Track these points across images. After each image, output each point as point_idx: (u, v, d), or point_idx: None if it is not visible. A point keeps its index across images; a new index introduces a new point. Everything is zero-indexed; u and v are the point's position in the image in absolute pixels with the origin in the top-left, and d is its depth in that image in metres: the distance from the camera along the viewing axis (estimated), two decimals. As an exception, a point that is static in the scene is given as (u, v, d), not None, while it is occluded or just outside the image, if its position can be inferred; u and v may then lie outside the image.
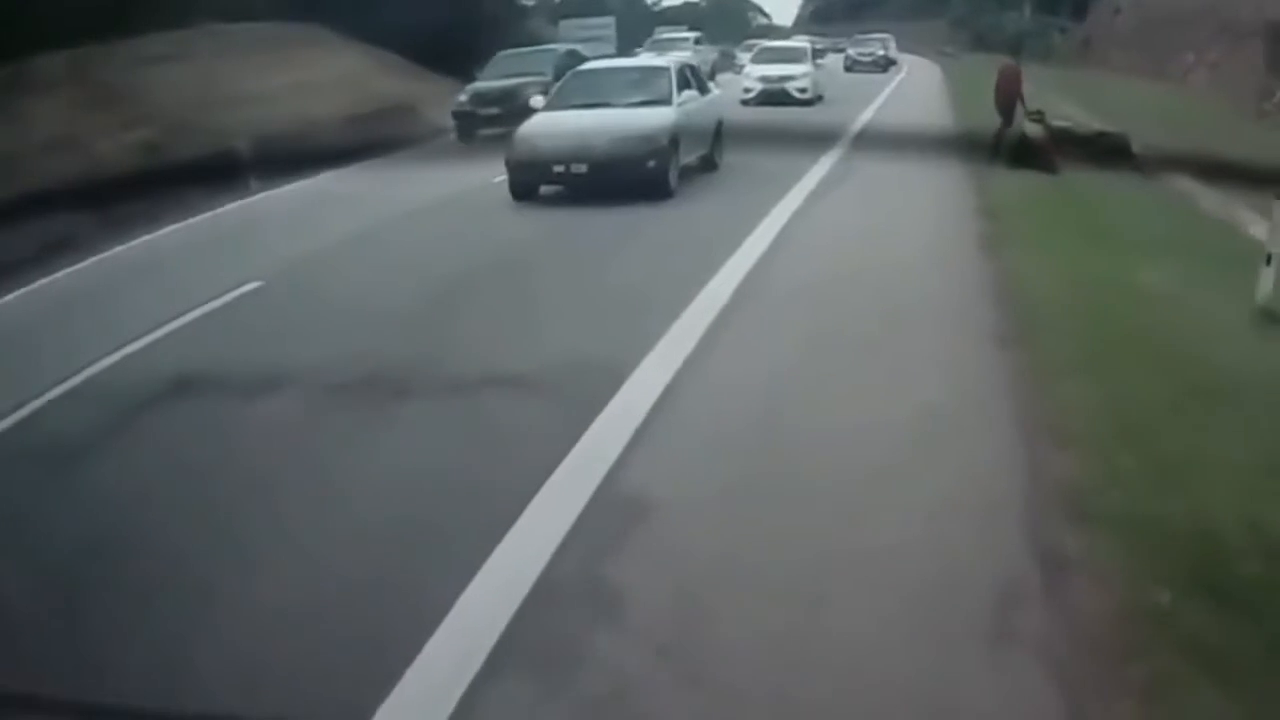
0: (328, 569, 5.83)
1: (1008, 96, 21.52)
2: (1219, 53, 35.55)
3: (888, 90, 38.45)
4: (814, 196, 15.91)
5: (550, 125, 17.67)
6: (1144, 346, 8.73)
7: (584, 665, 4.77)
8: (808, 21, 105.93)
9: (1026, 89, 21.66)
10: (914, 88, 40.80)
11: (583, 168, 16.60)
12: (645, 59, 25.97)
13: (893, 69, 54.17)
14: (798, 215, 14.80)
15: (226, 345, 10.75)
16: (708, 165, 19.12)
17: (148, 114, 26.68)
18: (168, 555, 6.18)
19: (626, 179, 16.43)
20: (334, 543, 6.19)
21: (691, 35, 51.63)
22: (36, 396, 9.20)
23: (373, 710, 4.44)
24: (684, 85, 19.03)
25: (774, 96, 33.75)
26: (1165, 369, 8.15)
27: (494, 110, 26.83)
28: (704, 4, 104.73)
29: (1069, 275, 11.06)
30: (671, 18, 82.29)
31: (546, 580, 5.46)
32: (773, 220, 14.40)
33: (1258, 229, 11.60)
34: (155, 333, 10.86)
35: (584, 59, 29.85)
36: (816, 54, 47.59)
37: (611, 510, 6.27)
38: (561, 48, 32.45)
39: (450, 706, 4.45)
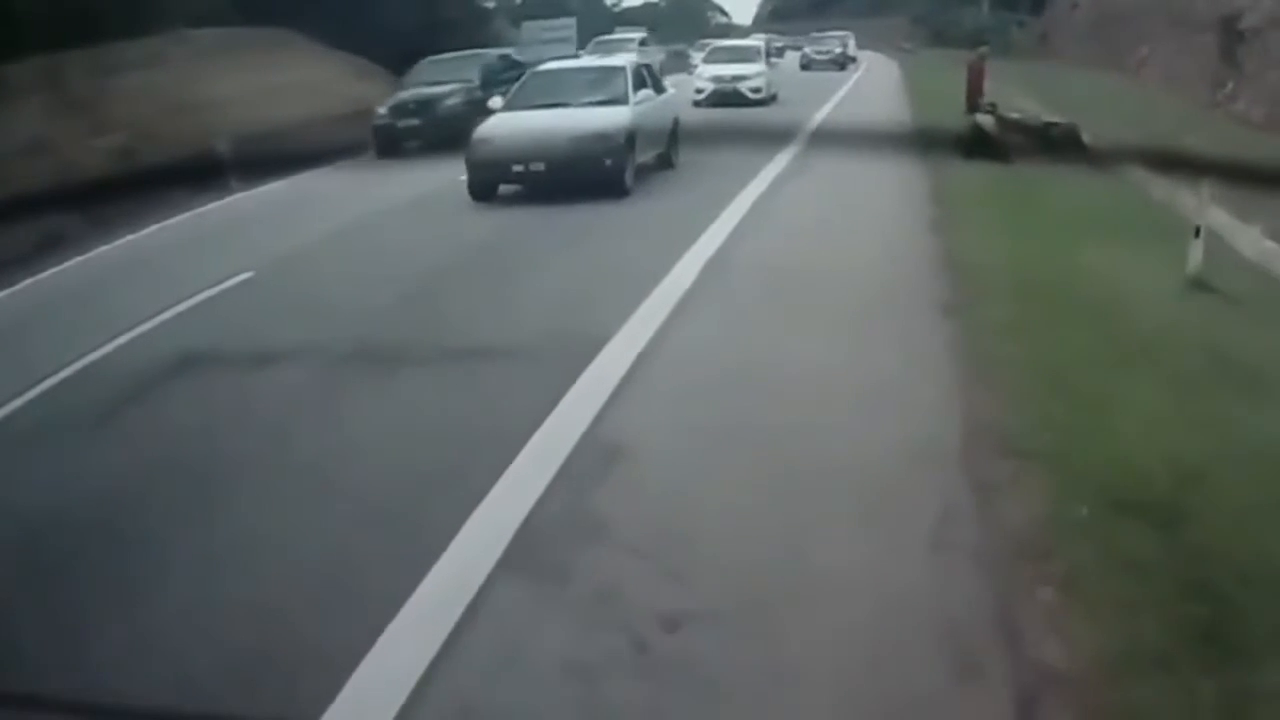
0: (343, 508, 6.69)
1: (975, 92, 22.45)
2: (1174, 46, 36.29)
3: (845, 88, 38.90)
4: (770, 191, 16.56)
5: (509, 125, 17.94)
6: (1080, 312, 9.55)
7: (574, 568, 5.64)
8: (767, 20, 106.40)
9: (985, 84, 22.50)
10: (871, 85, 41.36)
11: (541, 166, 16.90)
12: (602, 59, 25.31)
13: (851, 66, 54.29)
14: (755, 209, 15.47)
15: (229, 326, 11.63)
16: (664, 163, 19.43)
17: (121, 119, 27.15)
18: (192, 503, 7.00)
19: (584, 177, 16.70)
20: (345, 489, 7.01)
21: (637, 36, 50.27)
22: (57, 371, 10.05)
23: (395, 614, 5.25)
24: (640, 85, 19.34)
25: (727, 97, 33.74)
26: (1097, 330, 8.99)
27: (414, 122, 26.16)
28: (663, 3, 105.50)
29: (1014, 254, 11.86)
30: (631, 18, 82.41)
31: (542, 504, 6.35)
32: (731, 213, 15.06)
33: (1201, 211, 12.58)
34: (160, 316, 11.68)
35: (518, 63, 29.51)
36: (775, 52, 47.78)
37: (594, 454, 7.11)
38: (493, 52, 31.61)
39: (467, 600, 5.30)
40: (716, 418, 7.68)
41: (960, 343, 8.98)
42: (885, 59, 60.36)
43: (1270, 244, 12.40)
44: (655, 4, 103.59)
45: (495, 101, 20.25)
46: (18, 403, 9.40)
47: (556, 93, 18.99)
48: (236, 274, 13.31)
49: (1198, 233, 10.90)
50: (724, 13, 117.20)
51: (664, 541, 5.88)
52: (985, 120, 20.78)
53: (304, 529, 6.46)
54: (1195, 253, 10.84)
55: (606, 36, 50.24)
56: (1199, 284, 10.65)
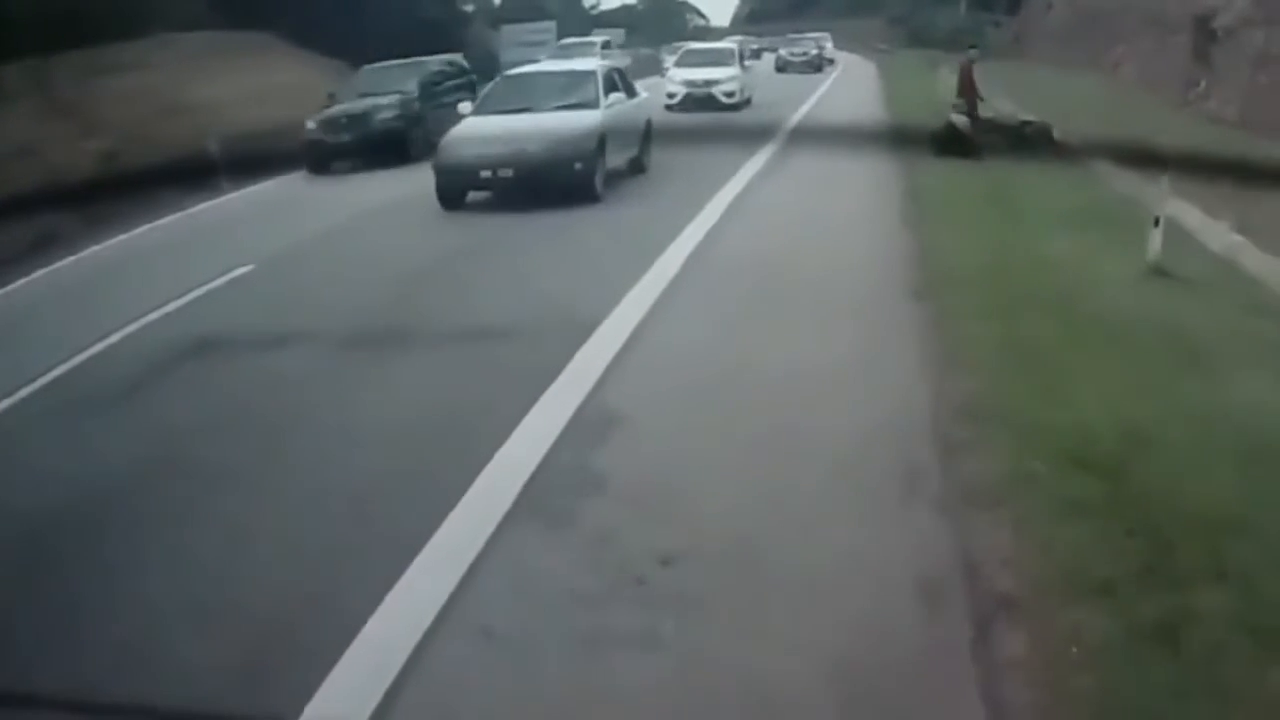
0: (355, 468, 7.49)
1: (969, 93, 23.12)
2: (1148, 45, 36.91)
3: (821, 90, 39.39)
4: (747, 190, 17.15)
5: (477, 130, 17.84)
6: (1043, 297, 10.22)
7: (578, 515, 6.37)
8: (745, 21, 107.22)
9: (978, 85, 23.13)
10: (848, 88, 41.74)
11: (509, 172, 16.75)
12: (573, 64, 23.90)
13: (828, 68, 54.23)
14: (732, 207, 16.07)
15: (236, 313, 12.36)
16: (636, 168, 19.52)
17: (105, 123, 27.65)
18: (227, 463, 7.78)
19: (553, 183, 16.67)
20: (359, 451, 7.82)
21: (600, 39, 49.70)
22: (80, 352, 10.86)
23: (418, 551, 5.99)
24: (611, 89, 19.34)
25: (700, 102, 33.14)
26: (1059, 313, 9.65)
27: (345, 138, 24.87)
28: (641, 6, 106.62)
29: (982, 244, 12.55)
30: (608, 20, 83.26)
31: (547, 462, 7.11)
32: (715, 204, 15.86)
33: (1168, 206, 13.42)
34: (168, 306, 12.38)
35: (466, 69, 29.48)
36: (753, 54, 47.38)
37: (592, 418, 7.90)
38: (435, 60, 29.67)
39: (480, 544, 6.03)
40: (703, 389, 8.42)
41: (928, 324, 9.66)
42: (862, 60, 61.11)
43: (1237, 238, 13.13)
44: (633, 6, 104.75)
45: (465, 106, 20.05)
46: (33, 386, 10.07)
47: (526, 97, 18.93)
48: (236, 268, 14.02)
49: (1157, 223, 11.57)
50: (701, 15, 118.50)
51: (652, 491, 6.67)
52: (959, 119, 21.45)
53: (325, 485, 7.22)
54: (1155, 241, 11.52)
55: (569, 40, 48.44)
56: (1158, 271, 11.33)
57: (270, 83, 34.37)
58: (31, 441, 8.96)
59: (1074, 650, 4.81)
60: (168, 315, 12.10)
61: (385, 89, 26.00)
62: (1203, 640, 4.83)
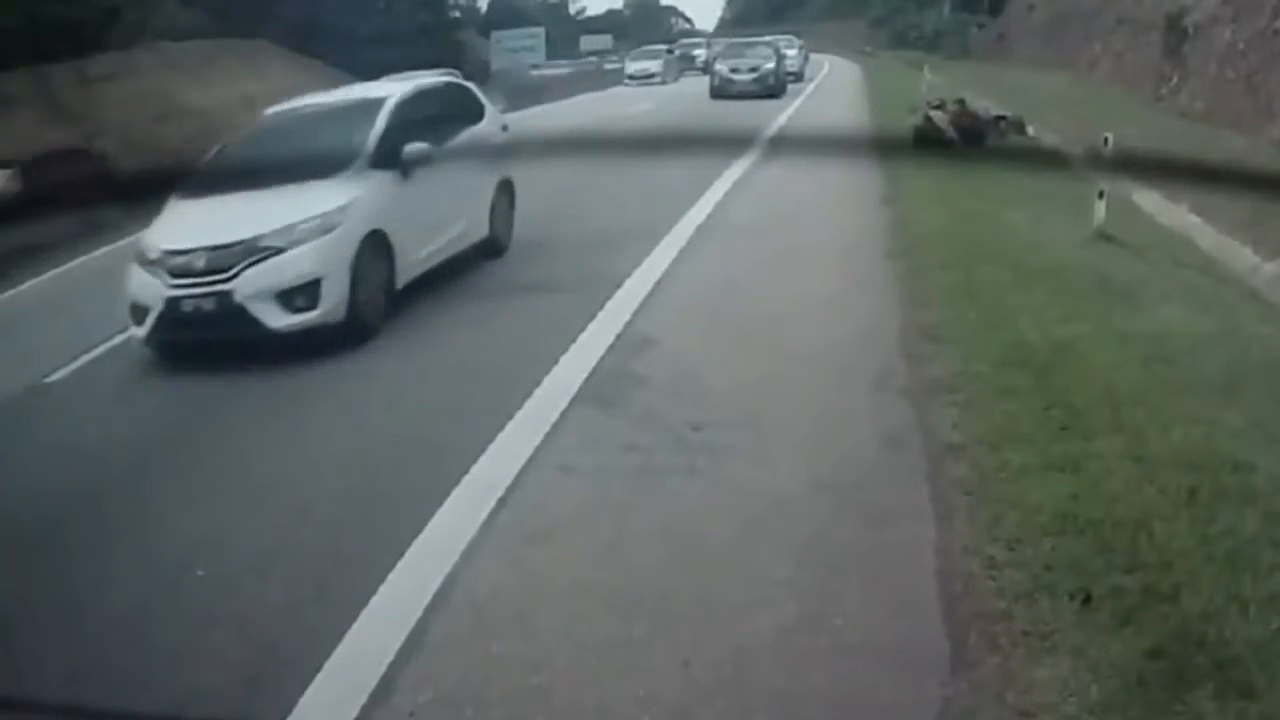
0: (456, 366, 9.70)
1: None
2: (1123, 43, 38.65)
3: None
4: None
5: None
6: (998, 254, 12.33)
7: (625, 402, 8.47)
8: (730, 25, 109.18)
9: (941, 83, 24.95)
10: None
11: None
12: None
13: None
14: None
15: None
16: None
17: (102, 128, 29.41)
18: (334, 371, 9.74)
19: None
20: (449, 361, 10.09)
21: None
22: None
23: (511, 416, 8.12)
24: None
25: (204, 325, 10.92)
26: (1011, 265, 11.74)
27: None
28: (627, 12, 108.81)
29: (950, 217, 14.61)
30: (595, 26, 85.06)
31: (598, 368, 9.25)
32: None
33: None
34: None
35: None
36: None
37: (629, 340, 10.03)
38: None
39: (551, 420, 8.12)
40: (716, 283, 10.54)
41: (899, 276, 11.83)
42: (847, 63, 62.48)
43: (1193, 218, 15.22)
44: (619, 12, 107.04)
45: None
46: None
47: None
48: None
49: (1101, 195, 13.60)
50: (687, 19, 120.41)
51: (682, 387, 8.81)
52: (937, 115, 23.41)
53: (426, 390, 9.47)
54: (1099, 211, 13.56)
55: None
56: (1103, 236, 13.39)
57: (261, 89, 35.92)
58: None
59: (1001, 475, 6.82)
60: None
61: None
62: (1097, 466, 6.82)
